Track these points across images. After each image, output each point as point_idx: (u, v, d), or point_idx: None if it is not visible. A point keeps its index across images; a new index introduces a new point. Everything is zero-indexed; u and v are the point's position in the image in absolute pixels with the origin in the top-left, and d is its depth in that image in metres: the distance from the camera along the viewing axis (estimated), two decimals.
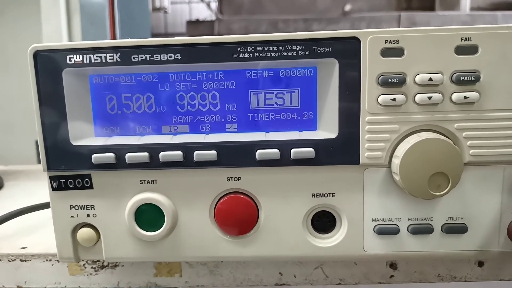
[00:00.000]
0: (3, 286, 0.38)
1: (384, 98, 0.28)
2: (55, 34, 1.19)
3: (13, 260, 0.37)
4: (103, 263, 0.37)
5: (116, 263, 0.37)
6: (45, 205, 0.43)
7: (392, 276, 0.37)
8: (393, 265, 0.37)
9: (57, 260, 0.37)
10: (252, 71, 0.30)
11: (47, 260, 0.37)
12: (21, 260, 0.37)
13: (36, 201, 0.44)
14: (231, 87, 0.30)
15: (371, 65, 0.28)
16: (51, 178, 0.31)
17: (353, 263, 0.36)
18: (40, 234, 0.41)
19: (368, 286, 0.37)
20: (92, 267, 0.37)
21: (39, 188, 0.56)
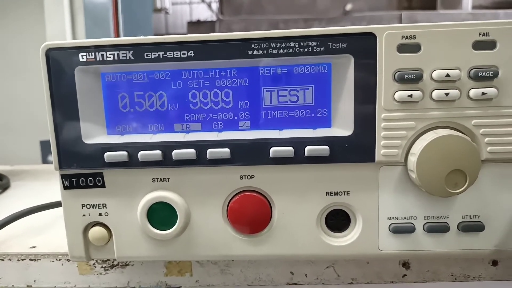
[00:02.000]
0: (13, 285, 0.38)
1: (400, 95, 0.28)
2: (59, 35, 1.19)
3: (22, 260, 0.37)
4: (113, 262, 0.37)
5: (126, 262, 0.37)
6: (54, 205, 0.43)
7: (404, 275, 0.36)
8: (405, 264, 0.36)
9: (67, 260, 0.37)
10: (266, 68, 0.30)
11: (56, 259, 0.37)
12: (30, 260, 0.37)
13: (43, 200, 0.44)
14: (244, 84, 0.30)
15: (387, 61, 0.28)
16: (63, 177, 0.31)
17: (365, 262, 0.36)
18: (49, 233, 0.41)
19: (380, 285, 0.37)
20: (102, 267, 0.37)
21: (45, 188, 0.56)
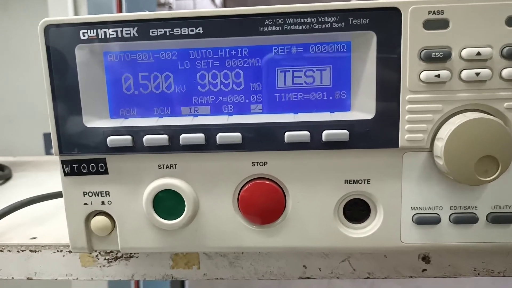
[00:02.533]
0: (13, 277, 0.36)
1: (427, 75, 0.26)
2: None
3: (22, 251, 0.35)
4: (116, 254, 0.35)
5: (131, 254, 0.35)
6: (56, 195, 0.41)
7: (424, 270, 0.34)
8: (425, 258, 0.34)
9: (69, 251, 0.35)
10: (279, 47, 0.28)
11: (58, 250, 0.35)
12: (31, 251, 0.35)
13: (45, 191, 0.42)
14: (256, 64, 0.28)
15: (413, 38, 0.26)
16: (63, 163, 0.29)
17: (383, 256, 0.34)
18: (50, 224, 0.39)
19: (398, 280, 0.35)
20: (105, 258, 0.35)
21: (48, 179, 0.54)
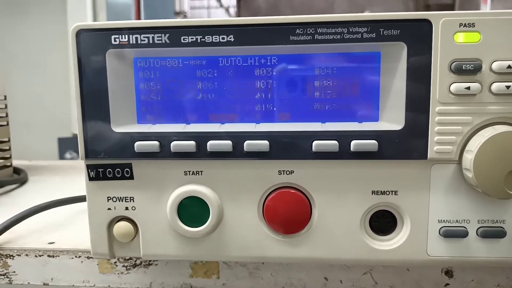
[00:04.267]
0: (29, 283, 0.36)
1: (457, 87, 0.26)
2: None
3: (40, 256, 0.35)
4: (135, 261, 0.35)
5: (150, 261, 0.35)
6: (75, 199, 0.41)
7: (447, 284, 0.34)
8: (448, 272, 0.34)
9: (87, 257, 0.35)
10: (309, 56, 0.28)
11: (76, 256, 0.35)
12: (48, 256, 0.35)
13: (61, 195, 0.42)
14: (285, 73, 0.28)
15: (443, 50, 0.26)
16: (89, 167, 0.29)
17: (405, 269, 0.34)
18: (68, 229, 0.39)
19: None
20: (123, 266, 0.35)
21: (64, 183, 0.54)
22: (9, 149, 0.57)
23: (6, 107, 0.56)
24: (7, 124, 0.57)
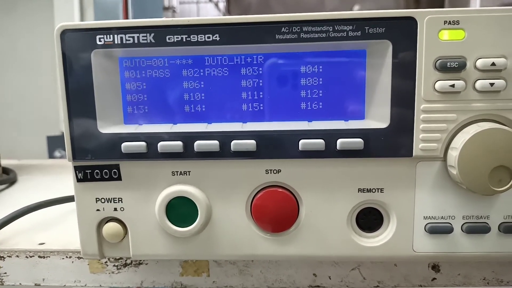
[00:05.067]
0: (20, 283, 0.36)
1: (441, 84, 0.26)
2: None
3: (31, 257, 0.35)
4: (126, 261, 0.35)
5: (140, 261, 0.35)
6: (65, 199, 0.41)
7: (434, 279, 0.34)
8: (435, 267, 0.34)
9: (77, 257, 0.35)
10: (295, 55, 0.28)
11: (66, 256, 0.35)
12: (39, 257, 0.35)
13: (51, 195, 0.42)
14: (271, 72, 0.28)
15: (428, 48, 0.26)
16: (76, 169, 0.29)
17: (393, 264, 0.34)
18: (58, 229, 0.39)
19: None
20: (114, 265, 0.35)
21: (54, 183, 0.54)
22: None
23: None
24: None
